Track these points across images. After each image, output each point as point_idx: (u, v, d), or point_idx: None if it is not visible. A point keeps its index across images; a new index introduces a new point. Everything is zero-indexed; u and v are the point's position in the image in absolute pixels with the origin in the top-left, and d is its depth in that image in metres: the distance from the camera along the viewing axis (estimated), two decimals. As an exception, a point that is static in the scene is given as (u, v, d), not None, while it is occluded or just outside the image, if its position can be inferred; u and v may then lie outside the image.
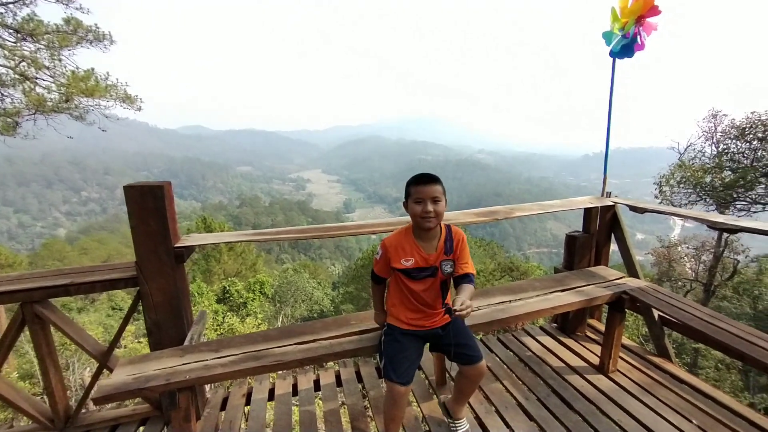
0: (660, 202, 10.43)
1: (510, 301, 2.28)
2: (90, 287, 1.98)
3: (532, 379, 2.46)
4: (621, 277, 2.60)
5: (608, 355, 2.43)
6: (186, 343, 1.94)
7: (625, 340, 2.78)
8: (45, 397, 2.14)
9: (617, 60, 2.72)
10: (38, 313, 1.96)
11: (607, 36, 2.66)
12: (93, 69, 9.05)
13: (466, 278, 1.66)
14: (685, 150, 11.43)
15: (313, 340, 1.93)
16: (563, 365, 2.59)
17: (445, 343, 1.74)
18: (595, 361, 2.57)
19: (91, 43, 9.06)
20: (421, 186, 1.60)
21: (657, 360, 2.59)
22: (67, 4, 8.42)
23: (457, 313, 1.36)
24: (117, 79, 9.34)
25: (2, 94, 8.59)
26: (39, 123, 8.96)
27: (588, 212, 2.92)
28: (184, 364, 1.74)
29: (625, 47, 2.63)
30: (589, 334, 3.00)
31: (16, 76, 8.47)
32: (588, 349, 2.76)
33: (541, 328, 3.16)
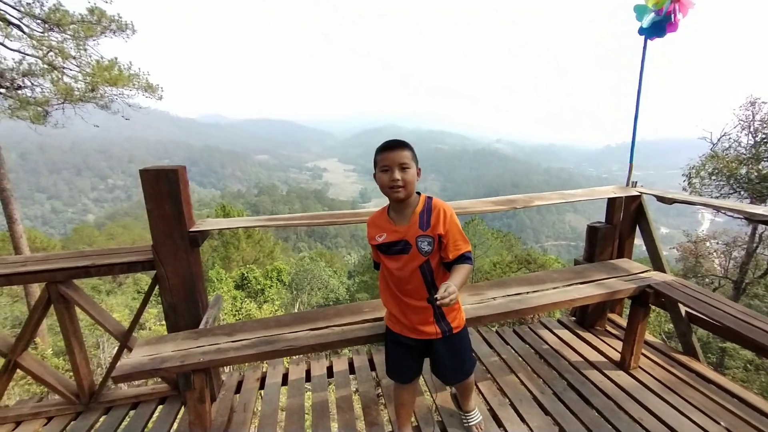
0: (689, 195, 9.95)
1: (527, 292, 2.21)
2: (109, 269, 2.02)
3: (548, 372, 2.40)
4: (645, 271, 2.48)
5: (630, 350, 2.34)
6: (201, 326, 1.98)
7: (648, 337, 2.68)
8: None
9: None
10: (62, 293, 2.03)
11: (639, 10, 2.44)
12: (116, 58, 9.27)
13: (460, 259, 1.47)
14: (719, 140, 10.81)
15: (326, 327, 1.93)
16: (581, 360, 2.51)
17: (432, 359, 1.67)
18: (615, 356, 2.49)
19: (114, 32, 9.25)
20: (387, 152, 1.43)
21: (682, 358, 2.48)
22: (90, -6, 8.59)
23: (438, 301, 1.21)
24: (139, 69, 9.56)
25: (32, 84, 8.92)
26: (67, 112, 9.28)
27: (611, 202, 2.79)
28: (198, 346, 1.77)
29: (656, 25, 2.42)
30: (608, 328, 2.90)
31: (45, 66, 8.75)
32: (607, 344, 2.67)
33: (559, 321, 3.07)
